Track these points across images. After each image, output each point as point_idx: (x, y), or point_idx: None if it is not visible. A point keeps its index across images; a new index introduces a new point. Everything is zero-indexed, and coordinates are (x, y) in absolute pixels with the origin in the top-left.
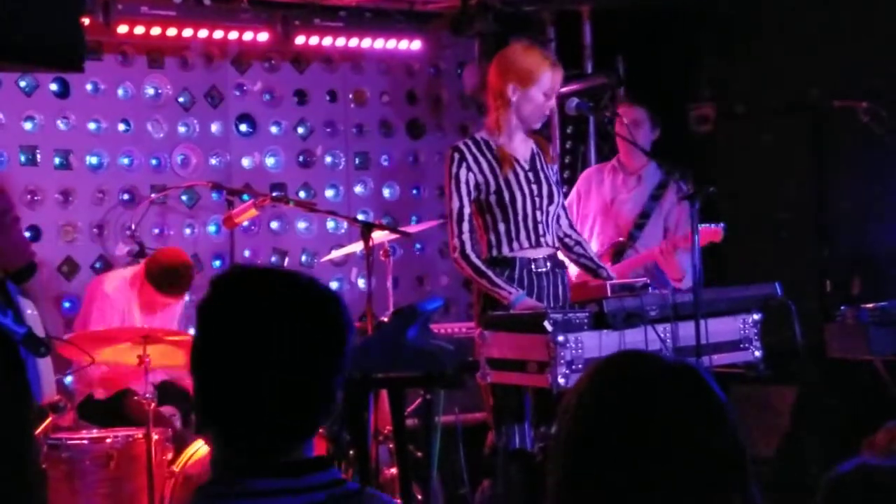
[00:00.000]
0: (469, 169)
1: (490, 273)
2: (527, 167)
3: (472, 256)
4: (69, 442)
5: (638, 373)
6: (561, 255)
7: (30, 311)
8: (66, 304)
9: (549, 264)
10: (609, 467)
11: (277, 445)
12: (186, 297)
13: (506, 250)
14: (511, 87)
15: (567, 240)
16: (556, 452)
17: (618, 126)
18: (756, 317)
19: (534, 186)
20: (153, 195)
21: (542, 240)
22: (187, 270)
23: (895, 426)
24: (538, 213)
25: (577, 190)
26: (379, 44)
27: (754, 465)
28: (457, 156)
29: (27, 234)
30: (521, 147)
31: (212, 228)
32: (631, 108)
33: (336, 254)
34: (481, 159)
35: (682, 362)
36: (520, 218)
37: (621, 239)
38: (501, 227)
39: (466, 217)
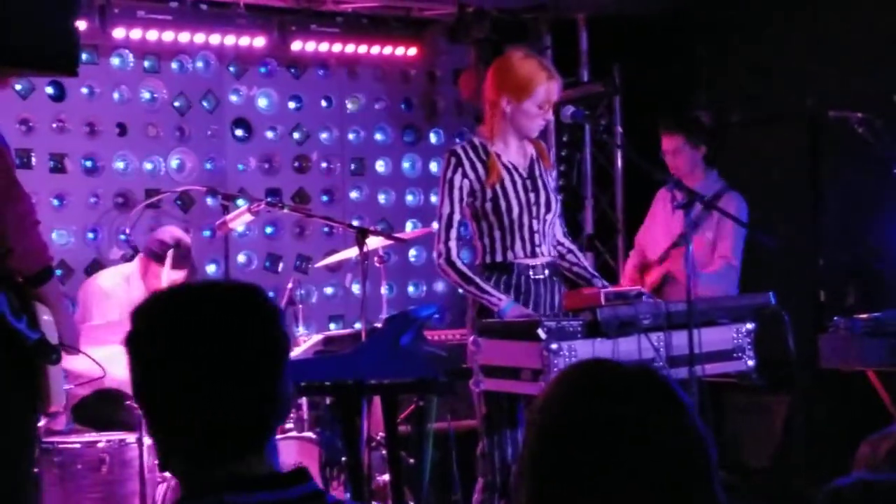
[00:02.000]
0: (465, 175)
1: (478, 279)
2: (525, 175)
3: (459, 263)
4: (62, 446)
5: (597, 380)
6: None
7: (46, 316)
8: None
9: (546, 272)
10: (574, 476)
11: (231, 452)
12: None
13: (499, 258)
14: (505, 99)
15: (560, 248)
16: (524, 461)
17: (668, 162)
18: (749, 326)
19: (531, 195)
20: (148, 199)
21: (537, 249)
22: (187, 242)
23: (877, 438)
24: (534, 223)
25: (653, 209)
26: (375, 50)
27: (747, 474)
28: (453, 160)
29: None
30: (518, 154)
31: (206, 233)
32: (668, 136)
33: (330, 259)
34: (478, 164)
35: (642, 368)
36: (515, 227)
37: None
38: (497, 234)
39: (455, 223)
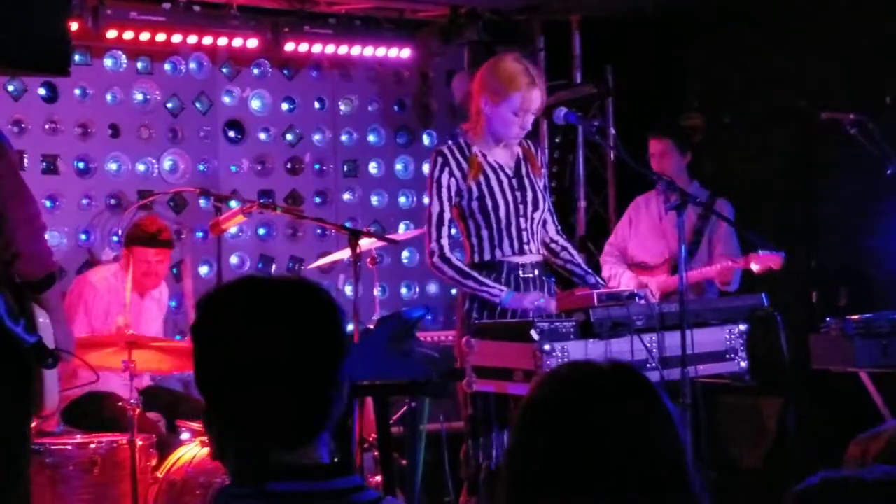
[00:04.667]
0: (451, 174)
1: (475, 274)
2: (511, 174)
3: (454, 259)
4: (53, 447)
5: (572, 381)
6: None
7: (42, 319)
8: None
9: (536, 271)
10: (549, 476)
11: (282, 444)
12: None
13: (487, 257)
14: (484, 100)
15: (553, 245)
16: (505, 460)
17: (654, 165)
18: (742, 327)
19: (517, 193)
20: (140, 201)
21: (525, 247)
22: (166, 225)
23: (866, 438)
24: (522, 221)
25: (629, 215)
26: (368, 51)
27: (739, 475)
28: (440, 159)
29: None
30: (504, 153)
31: (199, 234)
32: (657, 140)
33: (323, 261)
34: (463, 163)
35: (619, 366)
36: (503, 225)
37: None
38: (484, 233)
39: (446, 221)
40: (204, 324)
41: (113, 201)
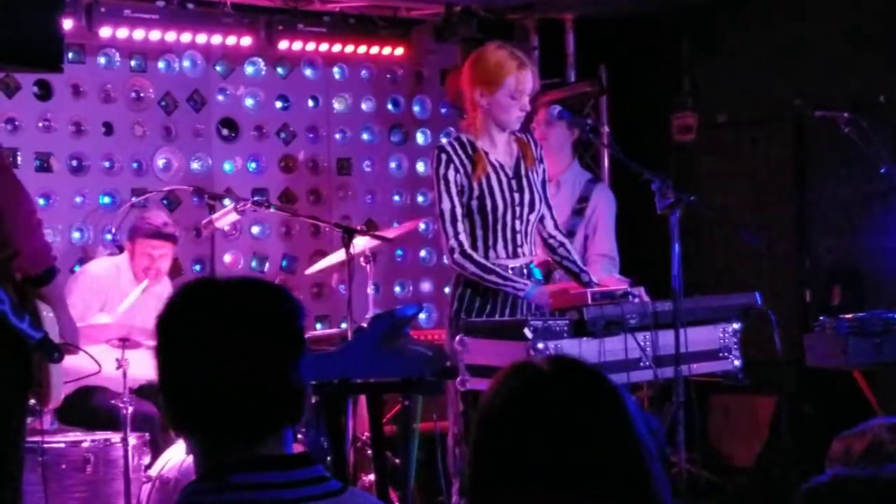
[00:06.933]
0: (456, 170)
1: (498, 269)
2: (510, 174)
3: (476, 255)
4: (46, 445)
5: (521, 377)
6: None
7: (46, 313)
8: None
9: (524, 273)
10: (501, 472)
11: (246, 439)
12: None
13: (480, 256)
14: (478, 92)
15: (551, 241)
16: (467, 464)
17: (537, 132)
18: (736, 326)
19: (516, 195)
20: (134, 199)
21: (518, 250)
22: (171, 220)
23: (848, 435)
24: (517, 223)
25: None
26: (362, 49)
27: (733, 474)
28: (444, 156)
29: None
30: (505, 153)
31: (193, 233)
32: (545, 107)
33: (319, 265)
34: (466, 161)
35: (568, 361)
36: (499, 227)
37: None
38: (479, 233)
39: (459, 217)
40: (167, 320)
41: (107, 199)
